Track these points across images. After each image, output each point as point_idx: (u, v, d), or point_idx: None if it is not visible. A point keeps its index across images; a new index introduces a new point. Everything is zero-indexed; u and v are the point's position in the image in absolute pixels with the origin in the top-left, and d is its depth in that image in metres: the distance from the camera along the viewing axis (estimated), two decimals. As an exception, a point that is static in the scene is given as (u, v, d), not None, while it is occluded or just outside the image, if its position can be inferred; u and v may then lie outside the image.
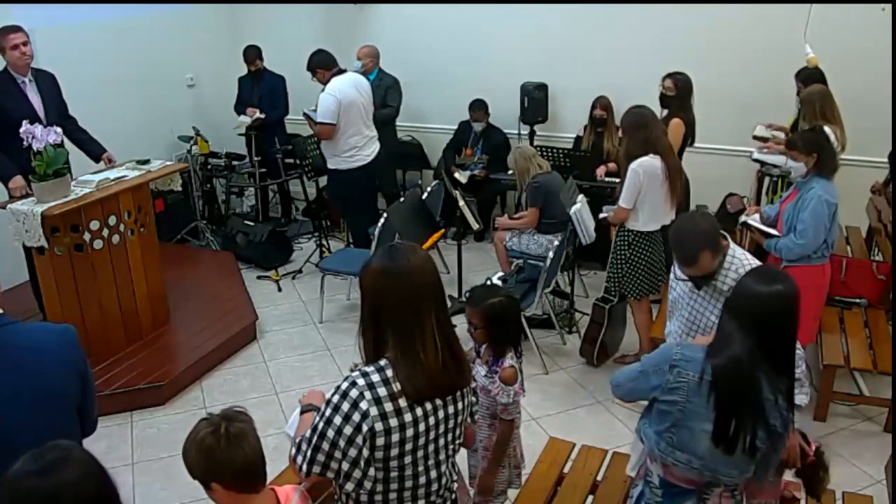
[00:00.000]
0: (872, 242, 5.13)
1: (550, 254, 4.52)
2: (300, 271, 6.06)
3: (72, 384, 1.95)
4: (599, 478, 3.05)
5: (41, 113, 4.64)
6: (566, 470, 3.12)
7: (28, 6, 5.27)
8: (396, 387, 1.75)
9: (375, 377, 1.76)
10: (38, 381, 1.86)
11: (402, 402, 1.76)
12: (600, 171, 5.67)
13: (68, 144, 4.75)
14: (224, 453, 1.73)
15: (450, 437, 1.91)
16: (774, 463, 2.21)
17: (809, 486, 2.41)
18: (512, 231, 5.17)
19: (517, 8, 6.29)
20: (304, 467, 1.82)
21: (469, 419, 2.09)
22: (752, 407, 2.05)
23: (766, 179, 5.18)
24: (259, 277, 5.99)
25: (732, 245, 2.81)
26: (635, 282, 4.24)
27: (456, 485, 2.07)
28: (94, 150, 4.90)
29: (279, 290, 5.82)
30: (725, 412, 2.05)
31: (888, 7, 4.96)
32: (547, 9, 6.17)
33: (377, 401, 1.74)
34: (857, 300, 4.48)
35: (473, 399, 2.08)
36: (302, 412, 2.09)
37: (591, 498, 3.00)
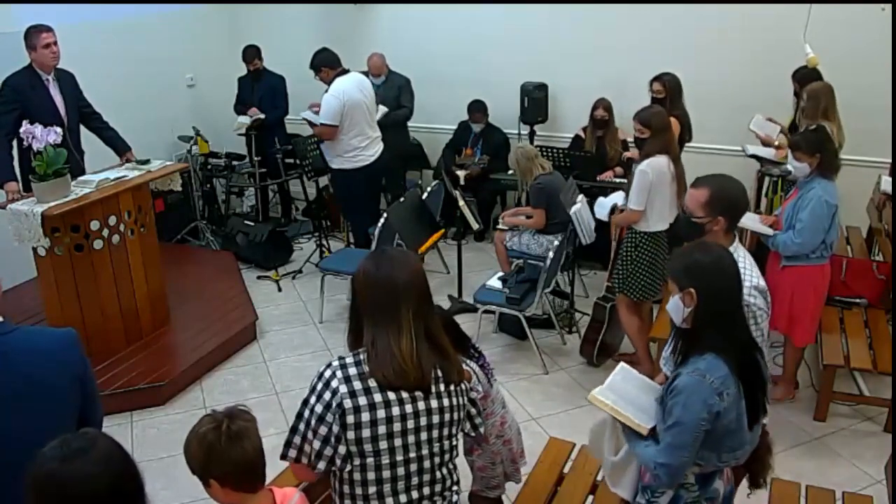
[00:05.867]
0: (872, 242, 5.13)
1: (550, 254, 4.52)
2: (300, 271, 6.06)
3: (71, 388, 1.94)
4: (599, 478, 3.04)
5: (62, 111, 4.74)
6: (566, 470, 3.12)
7: (28, 6, 5.27)
8: (366, 369, 1.88)
9: (349, 360, 1.91)
10: (36, 385, 1.86)
11: (372, 383, 1.87)
12: (608, 175, 5.68)
13: (95, 138, 5.06)
14: (224, 450, 1.73)
15: (435, 433, 1.94)
16: None
17: (755, 473, 2.36)
18: (512, 231, 5.18)
19: (517, 8, 6.29)
20: (282, 449, 1.94)
21: (472, 433, 2.16)
22: (761, 381, 2.19)
23: (767, 179, 5.19)
24: (259, 277, 5.99)
25: (738, 245, 2.66)
26: (637, 283, 4.24)
27: (456, 496, 2.08)
28: (122, 147, 5.05)
29: (279, 290, 5.82)
30: (753, 394, 2.15)
31: (888, 7, 4.97)
32: (547, 9, 6.18)
33: (347, 379, 1.87)
34: (857, 300, 4.48)
35: (474, 410, 2.13)
36: None
37: (591, 498, 3.00)
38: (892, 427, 3.88)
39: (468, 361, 2.72)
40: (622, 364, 2.59)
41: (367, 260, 1.98)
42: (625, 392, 2.43)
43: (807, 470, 3.58)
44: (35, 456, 1.46)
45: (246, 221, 6.46)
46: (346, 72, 5.32)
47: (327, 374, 1.89)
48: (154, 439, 4.02)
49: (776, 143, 5.09)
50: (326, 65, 5.28)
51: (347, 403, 1.84)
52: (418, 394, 1.90)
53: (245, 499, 1.80)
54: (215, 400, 4.38)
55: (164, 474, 3.70)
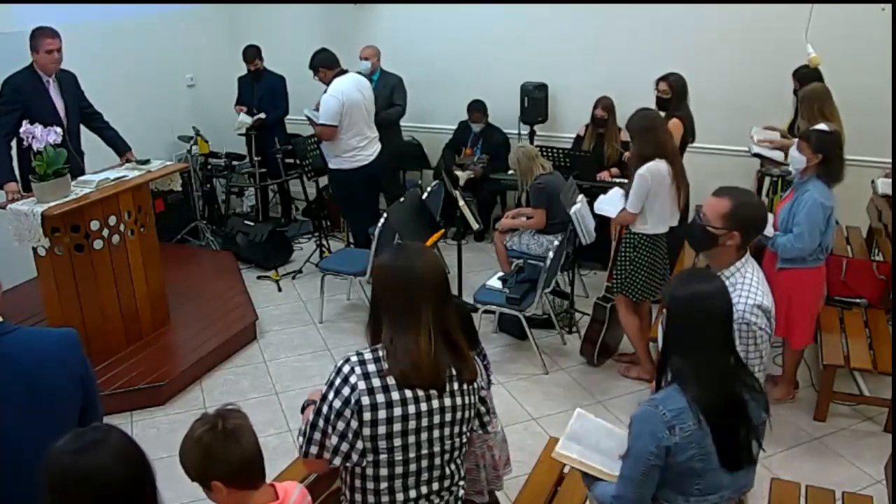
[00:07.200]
0: (872, 242, 5.13)
1: (550, 254, 4.52)
2: (300, 271, 6.06)
3: (71, 389, 1.94)
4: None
5: (62, 113, 4.75)
6: (566, 470, 3.11)
7: (28, 6, 5.27)
8: (385, 366, 1.88)
9: (368, 355, 1.92)
10: (37, 386, 1.86)
11: (390, 381, 1.87)
12: (604, 175, 5.67)
13: (94, 138, 5.05)
14: (222, 449, 1.73)
15: (447, 431, 1.96)
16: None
17: None
18: (512, 230, 5.18)
19: (517, 8, 6.29)
20: (304, 447, 1.94)
21: (481, 431, 2.13)
22: (742, 420, 2.07)
23: (767, 179, 5.18)
24: (259, 277, 5.99)
25: (748, 260, 2.58)
26: (636, 283, 4.24)
27: (462, 490, 2.09)
28: (122, 147, 5.05)
29: (279, 290, 5.82)
30: (725, 437, 2.04)
31: (888, 7, 4.97)
32: (547, 9, 6.18)
33: (366, 375, 1.87)
34: (857, 300, 4.47)
35: (483, 409, 2.12)
36: (303, 407, 2.15)
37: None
38: (892, 427, 3.88)
39: (475, 358, 2.73)
40: (578, 411, 2.55)
41: (387, 255, 2.00)
42: (587, 439, 2.40)
43: (807, 470, 3.58)
44: (37, 456, 1.46)
45: (246, 221, 6.46)
46: (344, 72, 5.32)
47: (346, 369, 1.89)
48: (154, 439, 4.01)
49: (782, 137, 5.07)
50: (325, 65, 5.29)
51: (365, 400, 1.85)
52: (433, 392, 1.91)
53: (248, 496, 1.81)
54: (215, 400, 4.37)
55: (164, 474, 3.68)
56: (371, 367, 1.88)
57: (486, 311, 4.80)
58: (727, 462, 2.05)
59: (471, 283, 5.17)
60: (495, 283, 4.78)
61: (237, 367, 4.77)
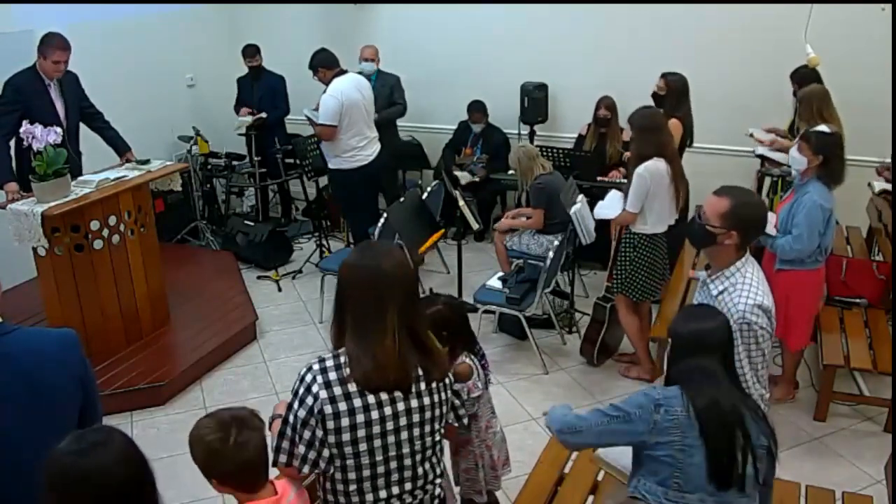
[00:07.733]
0: (872, 242, 5.13)
1: (550, 254, 4.52)
2: (300, 271, 6.06)
3: (71, 389, 1.94)
4: (599, 478, 3.04)
5: (62, 115, 4.77)
6: (566, 470, 3.12)
7: (28, 6, 5.27)
8: (346, 372, 1.85)
9: (330, 363, 1.88)
10: (36, 386, 1.86)
11: (352, 388, 1.84)
12: (615, 174, 5.66)
13: (93, 138, 5.05)
14: (227, 457, 1.75)
15: (415, 432, 1.94)
16: (772, 478, 2.21)
17: None
18: (512, 230, 5.18)
19: (517, 8, 6.29)
20: (273, 455, 1.92)
21: (456, 423, 2.14)
22: (741, 440, 2.08)
23: (767, 179, 5.18)
24: (259, 277, 5.99)
25: (748, 260, 2.60)
26: (636, 283, 4.24)
27: (439, 489, 2.08)
28: (122, 147, 5.06)
29: (279, 290, 5.82)
30: (718, 451, 2.05)
31: (888, 7, 4.97)
32: (547, 9, 6.18)
33: (327, 384, 1.84)
34: (857, 300, 4.47)
35: (458, 402, 2.13)
36: (270, 423, 2.13)
37: (591, 498, 3.00)
38: (892, 427, 3.88)
39: (472, 356, 2.73)
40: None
41: (353, 252, 1.97)
42: (614, 452, 2.53)
43: (807, 470, 3.58)
44: (37, 456, 1.47)
45: (246, 221, 6.46)
46: (344, 72, 5.31)
47: (308, 378, 1.87)
48: (154, 439, 4.02)
49: (784, 137, 5.07)
50: (324, 65, 5.28)
51: (327, 409, 1.83)
52: (397, 394, 1.88)
53: (247, 496, 1.83)
54: (215, 400, 4.38)
55: (164, 474, 3.68)
56: (332, 375, 1.85)
57: (486, 311, 4.80)
58: (715, 474, 2.06)
59: (471, 283, 5.17)
60: (495, 283, 4.78)
61: (237, 367, 4.77)
